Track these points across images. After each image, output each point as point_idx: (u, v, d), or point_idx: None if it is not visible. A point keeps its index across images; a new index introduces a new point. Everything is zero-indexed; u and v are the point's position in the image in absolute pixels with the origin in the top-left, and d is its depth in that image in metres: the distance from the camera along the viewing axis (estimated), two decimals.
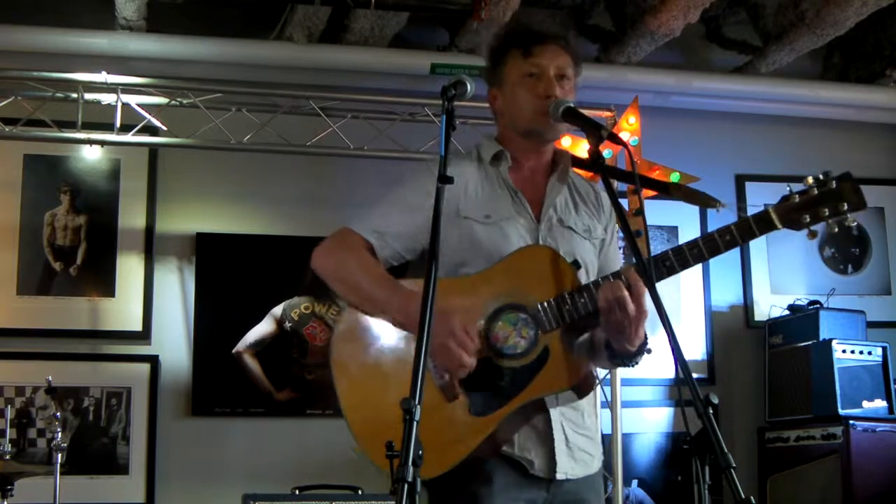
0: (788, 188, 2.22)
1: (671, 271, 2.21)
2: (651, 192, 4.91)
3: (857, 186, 2.16)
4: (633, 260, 2.12)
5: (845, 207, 2.17)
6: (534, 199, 2.35)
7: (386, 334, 2.23)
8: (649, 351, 2.27)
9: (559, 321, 2.19)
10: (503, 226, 2.28)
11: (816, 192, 2.19)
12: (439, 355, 2.10)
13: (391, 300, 2.18)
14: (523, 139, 2.36)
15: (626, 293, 2.11)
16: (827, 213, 2.18)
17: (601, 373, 5.09)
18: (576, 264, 2.26)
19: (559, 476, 2.22)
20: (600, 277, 2.23)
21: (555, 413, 2.24)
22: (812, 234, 2.21)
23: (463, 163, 2.34)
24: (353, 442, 2.20)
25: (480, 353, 2.13)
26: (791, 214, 2.20)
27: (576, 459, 2.26)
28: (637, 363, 2.32)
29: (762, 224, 2.19)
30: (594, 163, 2.18)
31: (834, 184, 2.18)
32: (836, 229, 2.19)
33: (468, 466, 2.13)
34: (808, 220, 2.19)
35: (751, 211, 2.25)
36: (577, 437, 2.28)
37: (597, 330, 2.29)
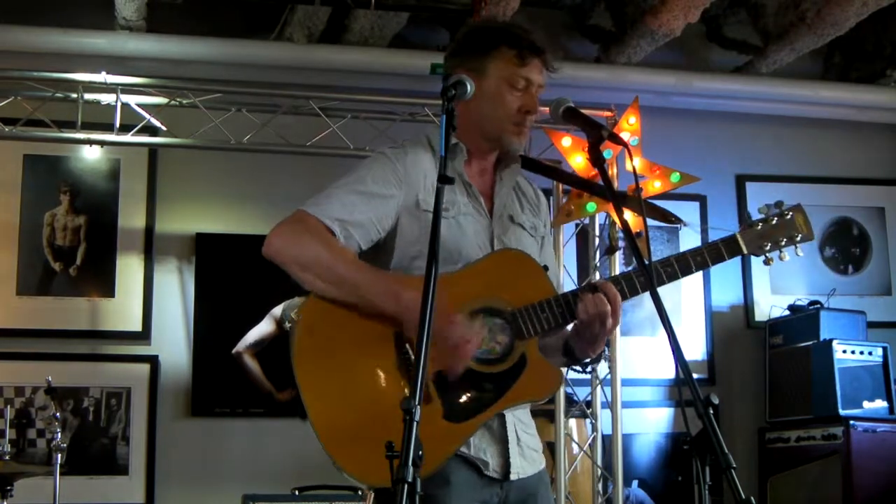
0: (748, 216, 2.35)
1: (643, 288, 2.21)
2: (652, 192, 4.91)
3: (807, 218, 2.31)
4: (633, 260, 2.12)
5: (798, 238, 2.31)
6: (484, 193, 2.32)
7: (352, 323, 2.12)
8: (605, 359, 2.29)
9: (538, 329, 2.16)
10: (460, 220, 2.24)
11: (775, 221, 2.31)
12: (440, 347, 2.01)
13: (381, 287, 2.09)
14: (484, 140, 2.30)
15: (608, 308, 2.13)
16: (783, 242, 2.31)
17: (601, 373, 5.09)
18: (544, 268, 2.25)
19: (513, 476, 2.20)
20: (579, 289, 2.21)
21: (509, 415, 2.22)
22: (768, 261, 2.33)
23: (419, 154, 2.27)
24: (320, 446, 2.08)
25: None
26: (755, 241, 2.31)
27: (526, 458, 2.25)
28: (592, 370, 2.34)
29: (730, 250, 2.31)
30: (595, 163, 2.17)
31: (790, 214, 2.31)
32: (787, 257, 2.32)
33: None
34: (769, 247, 2.31)
35: (714, 234, 2.36)
36: (526, 437, 2.27)
37: (553, 335, 2.28)
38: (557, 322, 2.18)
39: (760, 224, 2.31)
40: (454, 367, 2.08)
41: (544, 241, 2.43)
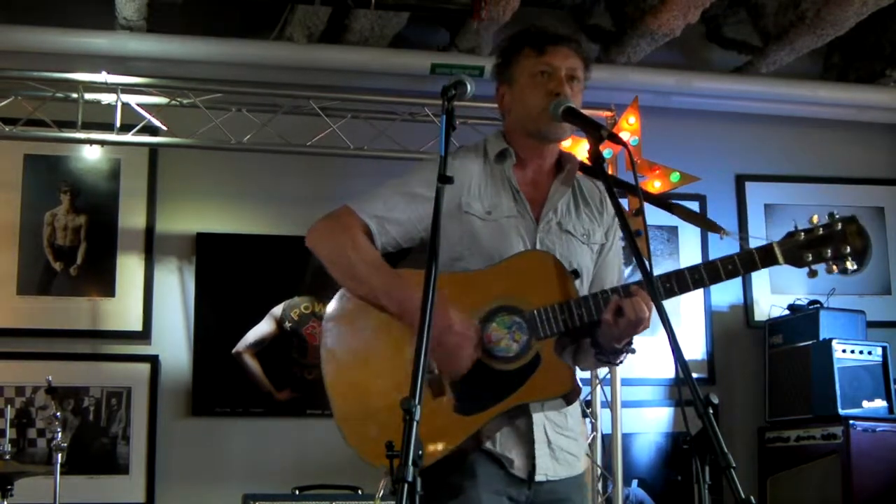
0: (794, 224, 2.25)
1: (670, 293, 2.23)
2: (652, 192, 4.91)
3: (862, 230, 2.21)
4: (634, 261, 2.13)
5: (848, 251, 2.20)
6: (535, 199, 2.35)
7: (377, 321, 2.22)
8: (633, 351, 2.29)
9: (555, 330, 2.19)
10: (503, 224, 2.28)
11: (822, 232, 2.22)
12: (439, 351, 2.10)
13: (387, 290, 2.17)
14: (528, 138, 2.35)
15: (647, 315, 2.15)
16: (829, 255, 2.21)
17: (601, 373, 5.10)
18: (574, 273, 2.27)
19: (539, 477, 2.22)
20: (606, 290, 2.22)
21: (538, 416, 2.24)
22: (813, 274, 2.23)
23: (469, 157, 2.33)
24: (337, 430, 2.21)
25: (478, 352, 2.14)
26: (794, 252, 2.22)
27: (558, 461, 2.26)
28: (622, 362, 2.35)
29: (765, 258, 2.22)
30: (597, 168, 2.17)
31: (839, 225, 2.22)
32: (836, 271, 2.22)
33: (451, 459, 2.14)
34: (811, 259, 2.21)
35: (751, 241, 2.29)
36: (559, 439, 2.28)
37: (586, 337, 2.31)
38: (575, 324, 2.20)
39: (804, 234, 2.22)
40: (454, 368, 2.13)
41: (604, 247, 2.42)
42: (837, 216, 2.22)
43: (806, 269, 2.22)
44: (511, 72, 2.35)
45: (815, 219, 2.22)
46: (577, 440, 2.34)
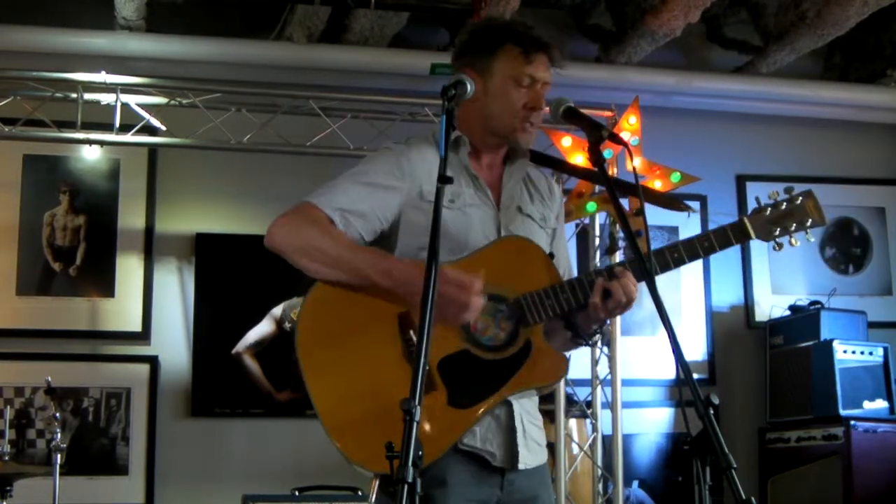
0: (757, 200, 2.35)
1: (654, 272, 2.23)
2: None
3: (818, 204, 2.32)
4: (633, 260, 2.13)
5: (809, 223, 2.31)
6: (491, 184, 2.33)
7: (355, 310, 2.16)
8: (602, 332, 2.32)
9: (542, 316, 2.19)
10: (466, 211, 2.26)
11: (785, 206, 2.31)
12: (441, 305, 1.97)
13: (374, 263, 2.12)
14: (490, 135, 2.32)
15: (636, 294, 2.17)
16: (794, 228, 2.31)
17: (601, 373, 5.09)
18: (550, 256, 2.28)
19: (521, 466, 2.20)
20: (590, 274, 2.22)
21: (517, 405, 2.23)
22: (778, 246, 2.34)
23: (423, 147, 2.31)
24: (324, 433, 2.10)
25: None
26: (764, 226, 2.32)
27: (529, 449, 2.25)
28: (595, 343, 2.38)
29: (738, 234, 2.31)
30: (595, 163, 2.17)
31: (800, 199, 2.32)
32: (797, 243, 2.33)
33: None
34: (778, 232, 2.32)
35: (713, 221, 2.37)
36: (532, 428, 2.27)
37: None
38: (563, 308, 2.20)
39: (770, 209, 2.31)
40: (456, 317, 2.05)
41: (556, 232, 2.45)
42: (795, 191, 2.33)
43: (772, 244, 2.33)
44: (489, 63, 2.28)
45: (776, 194, 2.33)
46: (541, 429, 2.34)
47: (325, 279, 2.18)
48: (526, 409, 2.26)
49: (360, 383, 2.13)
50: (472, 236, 2.24)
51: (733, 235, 2.29)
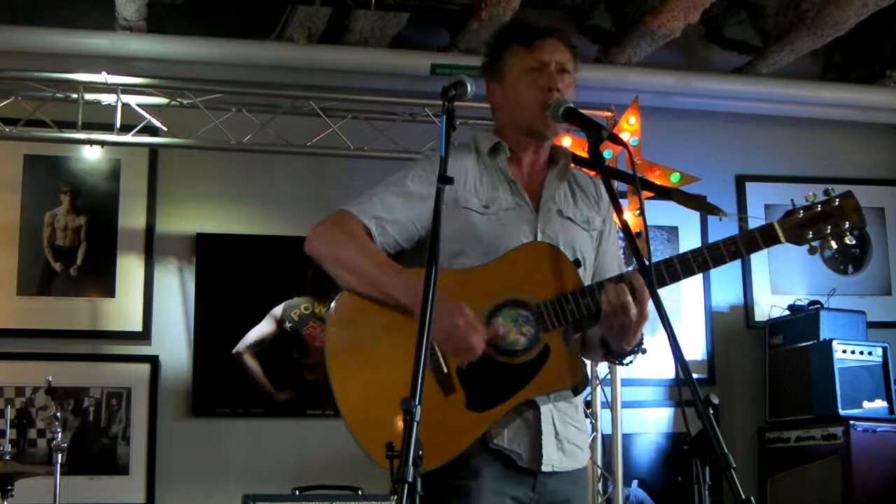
0: (792, 203, 2.24)
1: (674, 278, 2.22)
2: (651, 192, 4.91)
3: (858, 205, 2.19)
4: (634, 261, 2.13)
5: (847, 225, 2.19)
6: (532, 190, 2.35)
7: (381, 321, 2.21)
8: (644, 351, 2.28)
9: (561, 321, 2.19)
10: (501, 216, 2.28)
11: (820, 208, 2.21)
12: (446, 341, 2.10)
13: (395, 281, 2.16)
14: (521, 135, 2.35)
15: (629, 298, 2.12)
16: (829, 231, 2.20)
17: (601, 373, 5.09)
18: (577, 262, 2.27)
19: (545, 468, 2.22)
20: (605, 280, 2.22)
21: (545, 408, 2.24)
22: (813, 250, 2.23)
23: (461, 154, 2.33)
24: (348, 432, 2.17)
25: (486, 341, 2.12)
26: (795, 230, 2.21)
27: (565, 452, 2.26)
28: (631, 362, 2.34)
29: (767, 238, 2.21)
30: (595, 162, 2.18)
31: (837, 201, 2.20)
32: (835, 246, 2.21)
33: (455, 461, 2.13)
34: (811, 236, 2.21)
35: (751, 221, 2.28)
36: (568, 429, 2.28)
37: (591, 327, 2.31)
38: (582, 314, 2.20)
39: (803, 211, 2.21)
40: (465, 355, 2.12)
41: (602, 235, 2.44)
42: (834, 192, 2.21)
43: (806, 247, 2.22)
44: (500, 68, 2.35)
45: (813, 195, 2.21)
46: (582, 431, 2.35)
47: (352, 289, 2.24)
48: (562, 410, 2.27)
49: (382, 385, 2.16)
50: (506, 241, 2.26)
51: (761, 239, 2.20)
